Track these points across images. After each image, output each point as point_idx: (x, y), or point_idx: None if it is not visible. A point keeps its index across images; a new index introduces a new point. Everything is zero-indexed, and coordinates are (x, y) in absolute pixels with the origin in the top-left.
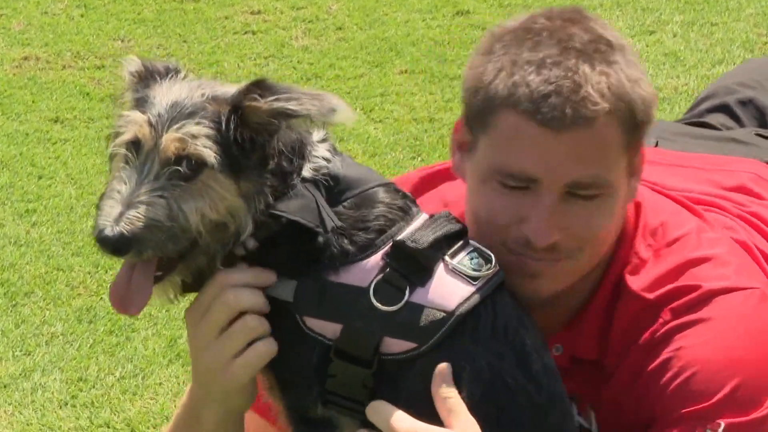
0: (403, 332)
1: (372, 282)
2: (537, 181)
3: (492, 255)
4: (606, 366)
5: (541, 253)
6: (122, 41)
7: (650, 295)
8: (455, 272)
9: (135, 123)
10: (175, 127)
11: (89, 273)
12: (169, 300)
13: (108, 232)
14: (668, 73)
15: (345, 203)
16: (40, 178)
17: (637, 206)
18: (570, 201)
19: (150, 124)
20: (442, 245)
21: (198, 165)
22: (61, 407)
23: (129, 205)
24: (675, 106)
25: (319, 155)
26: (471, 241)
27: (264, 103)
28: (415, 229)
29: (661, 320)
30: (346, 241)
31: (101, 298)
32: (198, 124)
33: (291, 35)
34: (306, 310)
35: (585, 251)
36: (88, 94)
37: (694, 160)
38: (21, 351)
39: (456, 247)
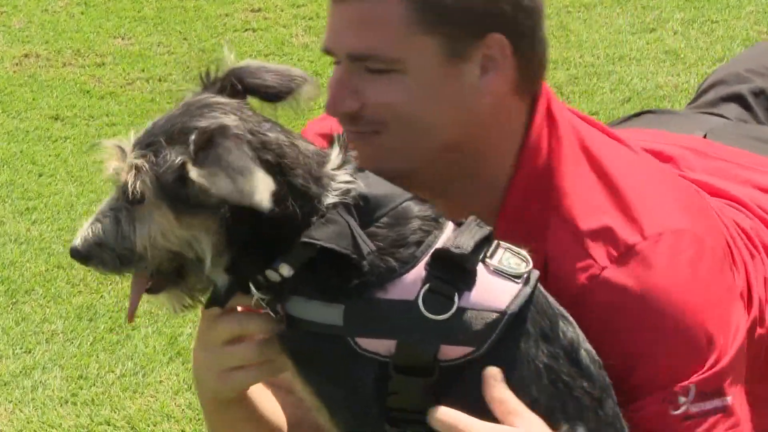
0: (458, 338)
1: (419, 293)
2: (332, 54)
3: (525, 252)
4: (548, 271)
5: (347, 126)
6: (122, 39)
7: (582, 226)
8: (497, 272)
9: (106, 151)
10: (131, 154)
11: (89, 271)
12: (173, 311)
13: (73, 243)
14: (668, 70)
15: (379, 223)
16: (40, 175)
17: (575, 130)
18: (360, 74)
19: (118, 149)
20: (481, 248)
21: (141, 195)
22: (61, 405)
23: (92, 222)
24: (675, 104)
25: (341, 180)
26: (501, 242)
27: (190, 171)
28: (452, 236)
29: (598, 264)
30: (389, 259)
31: (101, 295)
32: (143, 156)
33: (291, 33)
34: (358, 330)
35: (391, 128)
36: (88, 91)
37: (740, 156)
38: (21, 349)
39: (491, 248)
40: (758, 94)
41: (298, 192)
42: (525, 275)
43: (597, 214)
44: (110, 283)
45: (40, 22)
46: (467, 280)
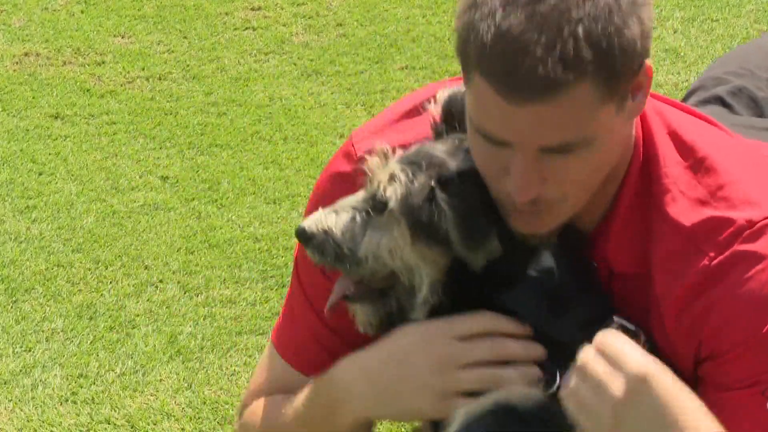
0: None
1: None
2: (509, 143)
3: (637, 329)
4: (652, 288)
5: (524, 206)
6: (122, 37)
7: (687, 223)
8: None
9: (374, 153)
10: (390, 164)
11: (89, 269)
12: (360, 327)
13: (303, 222)
14: (668, 69)
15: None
16: (40, 174)
17: (662, 115)
18: (546, 157)
19: (383, 155)
20: (590, 327)
21: (385, 204)
22: (61, 403)
23: (330, 211)
24: None
25: (546, 262)
26: (615, 318)
27: (438, 194)
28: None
29: (705, 258)
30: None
31: (101, 294)
32: (403, 170)
33: (291, 31)
34: None
35: (569, 198)
36: (88, 90)
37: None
38: (21, 347)
39: (602, 327)
40: (736, 92)
41: (512, 260)
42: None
43: (697, 208)
44: (110, 282)
45: (40, 20)
46: (571, 358)
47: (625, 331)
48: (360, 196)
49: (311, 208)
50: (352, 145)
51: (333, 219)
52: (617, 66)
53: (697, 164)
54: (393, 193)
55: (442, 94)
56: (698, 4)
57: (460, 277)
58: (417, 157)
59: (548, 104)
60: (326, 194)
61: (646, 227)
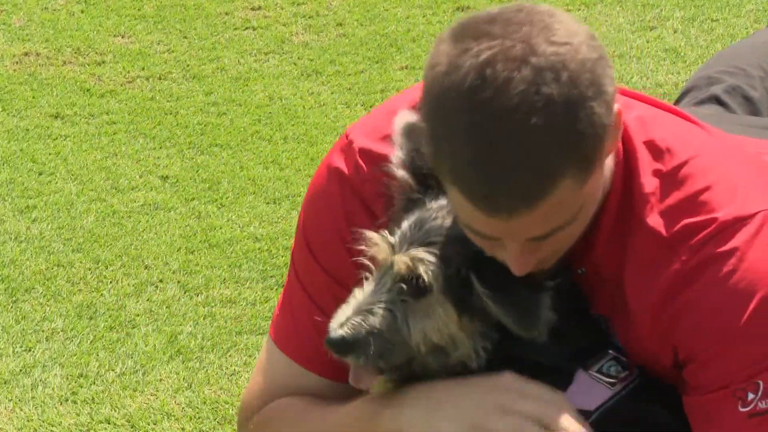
0: None
1: None
2: (498, 238)
3: (627, 363)
4: (629, 295)
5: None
6: (122, 37)
7: (666, 232)
8: (594, 379)
9: (374, 244)
10: (407, 248)
11: (89, 269)
12: (380, 391)
13: (333, 334)
14: (669, 69)
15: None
16: (40, 174)
17: (642, 123)
18: (538, 240)
19: (388, 243)
20: (583, 355)
21: (425, 287)
22: (61, 403)
23: (358, 312)
24: (674, 102)
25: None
26: (610, 351)
27: (475, 282)
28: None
29: (679, 261)
30: None
31: (101, 294)
32: (428, 252)
33: (291, 31)
34: None
35: (564, 249)
36: (88, 90)
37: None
38: (21, 347)
39: (596, 356)
40: (731, 91)
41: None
42: (622, 380)
43: (675, 216)
44: (110, 282)
45: (40, 20)
46: (563, 381)
47: (618, 362)
48: (377, 286)
49: (308, 206)
50: (347, 138)
51: (373, 319)
52: (591, 151)
53: (675, 171)
54: (431, 277)
55: (399, 137)
56: (698, 4)
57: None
58: (430, 235)
59: (533, 211)
60: (323, 191)
61: (627, 238)
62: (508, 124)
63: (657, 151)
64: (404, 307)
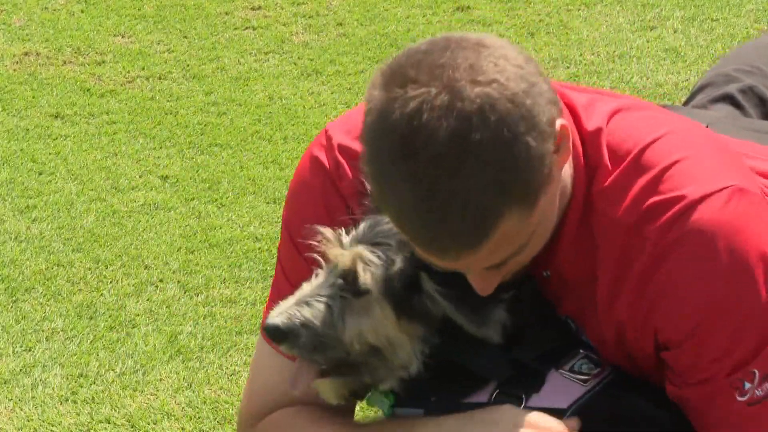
0: None
1: (492, 396)
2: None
3: (600, 360)
4: (599, 292)
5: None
6: (122, 37)
7: (631, 218)
8: (566, 378)
9: (327, 240)
10: (354, 247)
11: (89, 269)
12: (330, 399)
13: (269, 321)
14: (669, 69)
15: None
16: (40, 174)
17: (582, 138)
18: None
19: (339, 240)
20: (553, 356)
21: (365, 290)
22: (61, 403)
23: (298, 303)
24: (675, 101)
25: (498, 314)
26: (581, 350)
27: (425, 282)
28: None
29: (649, 243)
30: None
31: (101, 294)
32: (373, 252)
33: (291, 31)
34: None
35: (526, 262)
36: (88, 89)
37: (744, 146)
38: (21, 347)
39: (567, 356)
40: (746, 91)
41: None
42: (594, 377)
43: (641, 200)
44: (110, 282)
45: (40, 20)
46: (536, 383)
47: (590, 360)
48: (322, 281)
49: (290, 200)
50: (326, 134)
51: (309, 311)
52: (531, 184)
53: (636, 158)
54: (371, 278)
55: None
56: (698, 4)
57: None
58: (379, 236)
59: (479, 251)
60: (305, 185)
61: (592, 239)
62: (442, 173)
63: (616, 146)
64: (342, 303)
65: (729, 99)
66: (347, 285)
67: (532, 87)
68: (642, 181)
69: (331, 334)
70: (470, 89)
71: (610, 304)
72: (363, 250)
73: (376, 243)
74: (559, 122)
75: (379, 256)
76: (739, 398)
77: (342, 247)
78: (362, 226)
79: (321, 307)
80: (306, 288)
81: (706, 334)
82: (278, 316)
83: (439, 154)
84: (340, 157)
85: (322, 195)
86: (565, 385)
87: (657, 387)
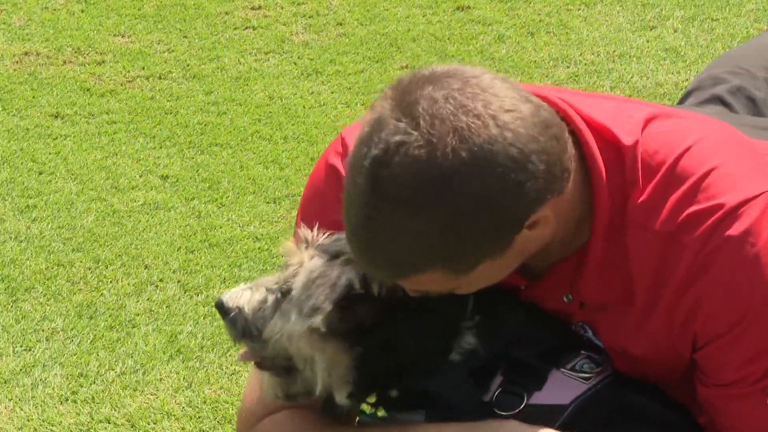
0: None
1: (494, 395)
2: None
3: (603, 358)
4: (637, 308)
5: None
6: (123, 37)
7: (670, 228)
8: (568, 376)
9: (300, 238)
10: (311, 250)
11: (90, 269)
12: (265, 394)
13: (220, 296)
14: (669, 68)
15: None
16: (40, 173)
17: (619, 153)
18: None
19: (305, 241)
20: (554, 355)
21: (290, 291)
22: (61, 403)
23: (249, 288)
24: (675, 101)
25: (467, 341)
26: (583, 351)
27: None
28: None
29: (688, 252)
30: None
31: (101, 293)
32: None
33: (291, 31)
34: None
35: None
36: (88, 89)
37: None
38: (21, 347)
39: (571, 357)
40: (735, 92)
41: (426, 348)
42: (596, 375)
43: (679, 210)
44: (110, 281)
45: (40, 20)
46: (538, 381)
47: (591, 360)
48: (277, 276)
49: (305, 207)
50: (342, 139)
51: (247, 297)
52: (468, 258)
53: (671, 170)
54: (299, 281)
55: None
56: (698, 4)
57: (372, 369)
58: (333, 247)
59: (402, 282)
60: (321, 193)
61: (625, 258)
62: (386, 214)
63: (649, 157)
64: (276, 300)
65: (718, 100)
66: (285, 285)
67: (517, 164)
68: (679, 191)
69: (257, 324)
70: (451, 152)
71: (646, 317)
72: (309, 253)
73: (326, 251)
74: (541, 214)
75: (324, 263)
76: None
77: (301, 249)
78: (338, 235)
79: (258, 297)
80: (268, 277)
81: (742, 335)
82: (229, 293)
83: (399, 198)
84: None
85: (336, 205)
86: (566, 383)
87: (659, 387)
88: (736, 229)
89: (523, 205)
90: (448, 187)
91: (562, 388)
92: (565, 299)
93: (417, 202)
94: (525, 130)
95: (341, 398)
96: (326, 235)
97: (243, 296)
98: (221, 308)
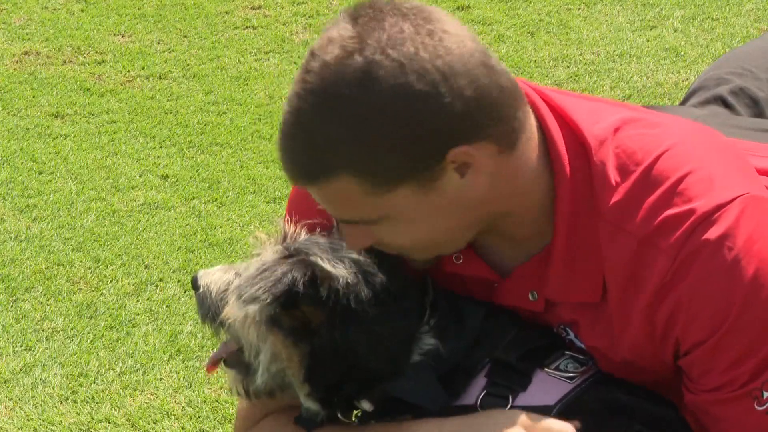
0: None
1: (478, 398)
2: None
3: (587, 358)
4: (611, 309)
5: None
6: (123, 36)
7: (645, 231)
8: (553, 376)
9: (278, 225)
10: (282, 244)
11: (90, 268)
12: (229, 391)
13: (200, 271)
14: (669, 68)
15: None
16: (40, 173)
17: (585, 147)
18: (355, 225)
19: (283, 236)
20: (537, 356)
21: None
22: (61, 402)
23: (222, 269)
24: (675, 101)
25: (427, 342)
26: (566, 351)
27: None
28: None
29: (664, 257)
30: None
31: (101, 293)
32: (284, 256)
33: (291, 30)
34: None
35: (412, 252)
36: (88, 89)
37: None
38: (21, 346)
39: (552, 356)
40: (737, 92)
41: (383, 351)
42: (580, 375)
43: (654, 213)
44: (110, 281)
45: (40, 19)
46: (522, 382)
47: (575, 360)
48: (254, 266)
49: (293, 206)
50: None
51: (217, 277)
52: (387, 170)
53: (646, 172)
54: (249, 270)
55: None
56: (698, 3)
57: (325, 368)
58: (297, 246)
59: (312, 188)
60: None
61: (597, 256)
62: (313, 105)
63: (625, 157)
64: (243, 283)
65: (720, 100)
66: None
67: (462, 76)
68: (655, 194)
69: (220, 305)
70: (379, 49)
71: (624, 323)
72: (275, 251)
73: (296, 250)
74: (467, 152)
75: (286, 259)
76: (758, 407)
77: (270, 242)
78: (308, 237)
79: (226, 278)
80: (238, 264)
81: (724, 339)
82: (204, 270)
83: (322, 89)
84: None
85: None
86: (551, 384)
87: (644, 386)
88: (712, 233)
89: (446, 126)
90: (370, 80)
91: (547, 388)
92: (530, 296)
93: (336, 94)
94: (461, 56)
95: (304, 400)
96: (306, 234)
97: (214, 275)
98: (194, 283)
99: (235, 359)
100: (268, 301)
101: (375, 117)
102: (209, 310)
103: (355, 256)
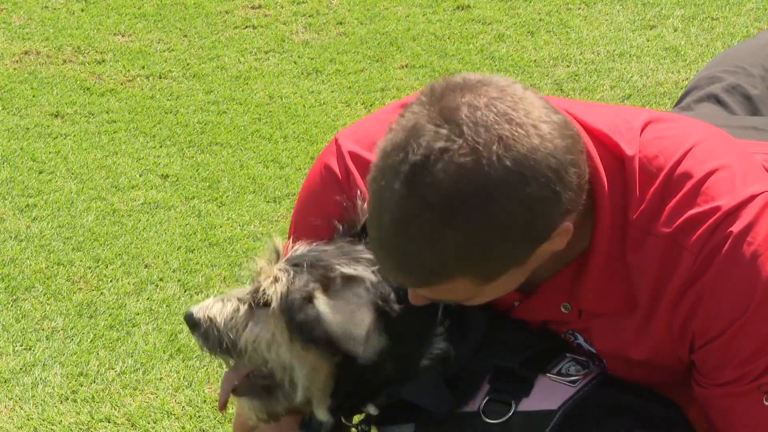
0: None
1: (480, 405)
2: None
3: (588, 360)
4: (639, 314)
5: None
6: (123, 36)
7: (669, 230)
8: (555, 381)
9: (267, 249)
10: (276, 263)
11: (90, 268)
12: (248, 418)
13: (189, 309)
14: (669, 68)
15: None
16: (40, 172)
17: (622, 164)
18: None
19: (276, 252)
20: (539, 360)
21: (267, 302)
22: (61, 402)
23: (219, 300)
24: (675, 100)
25: (438, 346)
26: (567, 354)
27: (317, 297)
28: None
29: (688, 254)
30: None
31: (101, 293)
32: (285, 270)
33: (291, 30)
34: None
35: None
36: (88, 88)
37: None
38: (21, 346)
39: (554, 360)
40: (731, 90)
41: (401, 353)
42: (583, 378)
43: (678, 213)
44: (110, 281)
45: (40, 19)
46: (525, 388)
47: (577, 362)
48: (248, 288)
49: (302, 206)
50: (336, 142)
51: (219, 308)
52: (497, 266)
53: (670, 174)
54: (275, 292)
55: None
56: (698, 3)
57: (350, 379)
58: (302, 258)
59: (430, 288)
60: (317, 190)
61: (625, 266)
62: (423, 222)
63: (647, 162)
64: (248, 310)
65: (713, 98)
66: (259, 294)
67: (555, 173)
68: (678, 195)
69: (232, 335)
70: (496, 160)
71: (647, 322)
72: (280, 266)
73: (296, 264)
74: (565, 225)
75: (288, 274)
76: (767, 402)
77: (270, 261)
78: (302, 248)
79: (230, 307)
80: (235, 290)
81: (741, 332)
82: (198, 306)
83: (430, 203)
84: (351, 166)
85: (333, 207)
86: (554, 388)
87: (648, 387)
88: (734, 229)
89: (558, 215)
90: (492, 196)
91: (550, 393)
92: (563, 309)
93: (458, 210)
94: (561, 141)
95: (322, 414)
96: (302, 245)
97: (214, 307)
98: (190, 321)
99: (248, 386)
100: (297, 318)
101: (499, 225)
102: (220, 341)
103: (368, 255)
